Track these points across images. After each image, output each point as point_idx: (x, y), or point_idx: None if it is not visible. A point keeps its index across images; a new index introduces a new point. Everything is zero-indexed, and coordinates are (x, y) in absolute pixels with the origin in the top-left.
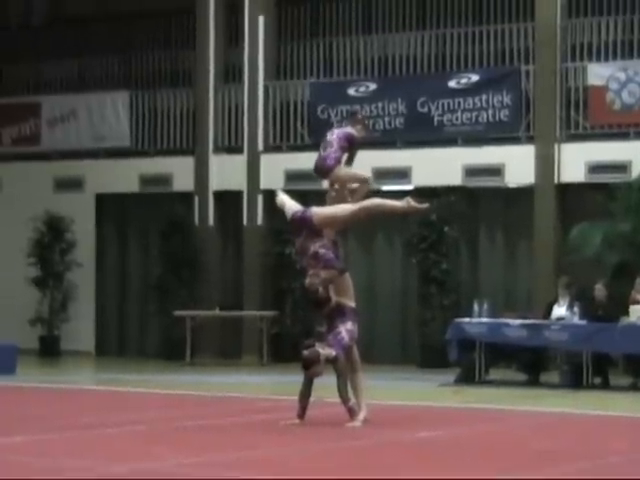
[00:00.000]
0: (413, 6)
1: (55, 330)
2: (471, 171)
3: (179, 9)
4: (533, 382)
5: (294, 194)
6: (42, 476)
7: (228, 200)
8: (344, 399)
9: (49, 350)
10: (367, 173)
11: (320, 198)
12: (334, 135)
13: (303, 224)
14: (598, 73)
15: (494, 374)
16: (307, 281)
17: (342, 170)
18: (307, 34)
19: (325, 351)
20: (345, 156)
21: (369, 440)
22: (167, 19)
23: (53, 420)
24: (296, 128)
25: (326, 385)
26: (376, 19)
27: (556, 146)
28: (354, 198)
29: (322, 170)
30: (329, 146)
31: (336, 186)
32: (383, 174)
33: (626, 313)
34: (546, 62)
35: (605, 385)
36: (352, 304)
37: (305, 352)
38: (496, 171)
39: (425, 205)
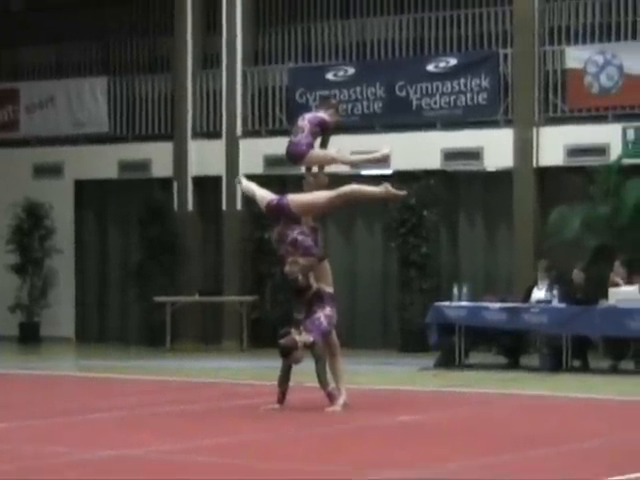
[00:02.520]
0: None
1: (35, 316)
2: (450, 155)
3: None
4: (513, 365)
5: (273, 179)
6: (24, 462)
7: (207, 185)
8: (323, 384)
9: (29, 337)
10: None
11: (300, 183)
12: (305, 120)
13: (280, 212)
14: (576, 56)
15: (474, 358)
16: (286, 269)
17: (315, 152)
18: (285, 19)
19: (302, 337)
20: (317, 141)
21: (349, 424)
22: (145, 5)
23: (35, 407)
24: (275, 113)
25: (305, 370)
26: (354, 3)
27: (535, 129)
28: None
29: (294, 156)
30: (300, 131)
31: (315, 169)
32: None
33: (605, 296)
34: (524, 45)
35: (585, 368)
36: (330, 290)
37: (282, 341)
38: (475, 155)
39: (403, 192)
